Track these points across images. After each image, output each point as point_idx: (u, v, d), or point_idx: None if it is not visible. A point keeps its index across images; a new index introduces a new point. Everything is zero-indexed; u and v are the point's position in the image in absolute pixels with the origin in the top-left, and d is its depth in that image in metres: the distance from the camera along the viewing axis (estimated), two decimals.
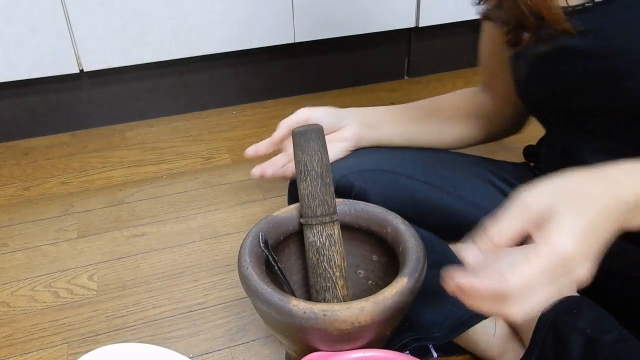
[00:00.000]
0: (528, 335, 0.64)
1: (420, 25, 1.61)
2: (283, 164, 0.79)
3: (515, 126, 0.86)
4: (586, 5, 0.58)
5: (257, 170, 0.78)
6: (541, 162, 0.83)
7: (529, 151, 0.87)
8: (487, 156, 0.87)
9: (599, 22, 0.57)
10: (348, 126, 0.80)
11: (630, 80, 0.56)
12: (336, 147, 0.78)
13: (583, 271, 0.40)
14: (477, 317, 0.69)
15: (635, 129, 0.60)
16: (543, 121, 0.73)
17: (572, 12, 0.58)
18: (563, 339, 0.58)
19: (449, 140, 0.84)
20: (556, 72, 0.62)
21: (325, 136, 0.70)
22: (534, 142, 0.86)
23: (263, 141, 0.79)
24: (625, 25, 0.56)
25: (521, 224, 0.41)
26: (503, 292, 0.38)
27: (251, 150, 0.79)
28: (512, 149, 1.20)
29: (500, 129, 0.86)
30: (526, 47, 0.64)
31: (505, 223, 0.41)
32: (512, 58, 0.68)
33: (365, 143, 0.81)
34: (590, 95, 0.61)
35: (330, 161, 0.78)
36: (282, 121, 0.78)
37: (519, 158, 0.90)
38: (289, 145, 0.77)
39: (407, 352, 0.70)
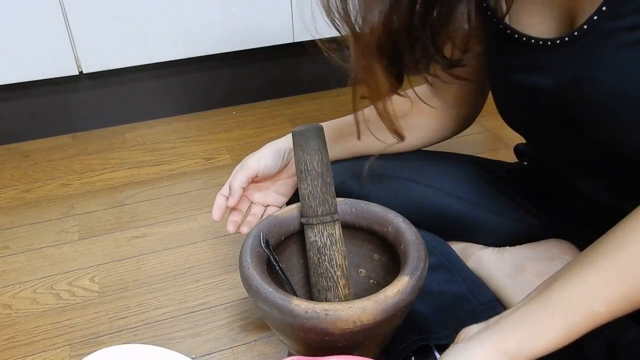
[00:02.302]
0: None
1: None
2: (260, 213, 0.83)
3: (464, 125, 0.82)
4: (556, 42, 0.54)
5: (231, 227, 0.79)
6: (531, 160, 0.83)
7: (519, 150, 0.86)
8: (489, 154, 0.87)
9: (562, 61, 0.54)
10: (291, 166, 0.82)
11: (597, 129, 0.53)
12: (288, 184, 0.82)
13: None
14: (483, 315, 0.69)
15: (612, 166, 0.57)
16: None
17: (542, 48, 0.55)
18: (579, 339, 0.58)
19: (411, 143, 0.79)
20: (525, 105, 0.61)
21: (275, 176, 0.77)
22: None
23: (220, 203, 0.79)
24: (587, 68, 0.52)
25: None
26: None
27: (218, 212, 0.79)
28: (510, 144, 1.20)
29: (477, 113, 0.81)
30: (495, 73, 0.63)
31: None
32: (489, 77, 0.67)
33: None
34: (560, 134, 0.59)
35: (287, 197, 0.83)
36: (232, 180, 0.78)
37: None
38: (254, 196, 0.83)
39: (411, 353, 0.70)
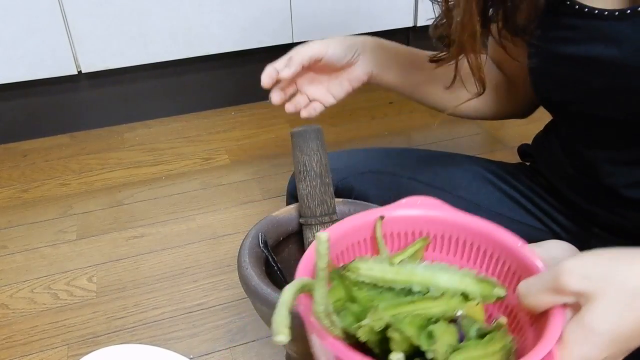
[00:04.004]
0: None
1: (418, 25, 1.61)
2: (304, 103, 0.72)
3: (524, 109, 0.83)
4: (626, 12, 0.54)
5: (276, 96, 0.70)
6: (537, 161, 0.83)
7: (522, 150, 0.86)
8: (487, 155, 0.87)
9: (629, 31, 0.54)
10: (361, 64, 0.73)
11: None
12: (343, 86, 0.73)
13: None
14: None
15: None
16: (556, 118, 0.72)
17: (607, 17, 0.55)
18: None
19: (461, 107, 0.77)
20: (577, 79, 0.60)
21: (335, 70, 0.70)
22: (529, 141, 0.85)
23: (270, 72, 0.67)
24: None
25: (552, 302, 0.39)
26: None
27: (267, 79, 0.67)
28: (512, 148, 1.20)
29: (509, 109, 0.82)
30: (543, 46, 0.63)
31: (535, 297, 0.40)
32: (529, 55, 0.67)
33: (373, 83, 0.77)
34: (612, 108, 0.59)
35: (335, 99, 0.74)
36: (294, 53, 0.67)
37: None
38: (305, 84, 0.71)
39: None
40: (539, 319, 0.41)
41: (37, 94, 1.48)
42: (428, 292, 0.42)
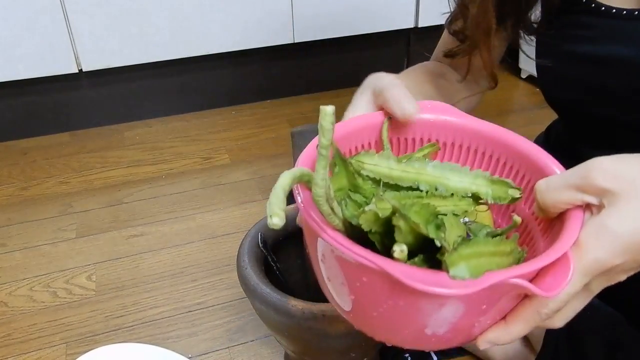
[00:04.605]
0: (537, 337, 0.64)
1: (419, 26, 1.61)
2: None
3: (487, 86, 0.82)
4: None
5: None
6: None
7: None
8: None
9: None
10: None
11: None
12: None
13: (622, 278, 0.37)
14: None
15: None
16: (562, 117, 0.71)
17: (625, 17, 0.54)
18: (579, 339, 0.58)
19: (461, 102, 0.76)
20: (591, 79, 0.60)
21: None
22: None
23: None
24: None
25: (573, 200, 0.36)
26: (541, 318, 0.35)
27: None
28: None
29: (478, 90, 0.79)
30: (555, 44, 0.62)
31: (557, 193, 0.37)
32: (538, 54, 0.67)
33: None
34: (626, 108, 0.58)
35: None
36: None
37: None
38: None
39: (407, 355, 0.70)
40: (552, 227, 0.38)
41: (38, 92, 1.48)
42: (436, 191, 0.39)
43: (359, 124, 0.45)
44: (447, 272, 0.30)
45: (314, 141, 0.39)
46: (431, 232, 0.32)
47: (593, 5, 0.56)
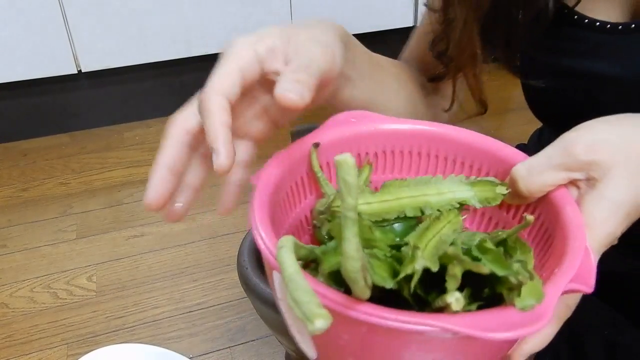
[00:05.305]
0: None
1: (418, 25, 1.61)
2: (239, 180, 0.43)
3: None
4: (631, 26, 0.50)
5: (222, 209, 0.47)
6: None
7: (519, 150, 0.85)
8: None
9: (635, 47, 0.50)
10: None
11: None
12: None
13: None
14: None
15: None
16: (551, 130, 0.70)
17: (610, 31, 0.51)
18: (579, 339, 0.58)
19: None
20: (576, 95, 0.57)
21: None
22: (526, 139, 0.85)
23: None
24: None
25: (558, 180, 0.35)
26: (571, 309, 0.34)
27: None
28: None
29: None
30: (539, 57, 0.58)
31: (541, 176, 0.35)
32: (522, 67, 0.64)
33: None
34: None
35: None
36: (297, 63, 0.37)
37: None
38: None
39: None
40: (544, 213, 0.36)
41: (37, 93, 1.48)
42: (422, 214, 0.35)
43: (285, 163, 0.38)
44: (514, 305, 0.28)
45: (272, 164, 0.35)
46: (498, 270, 0.29)
47: (576, 17, 0.53)
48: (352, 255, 0.25)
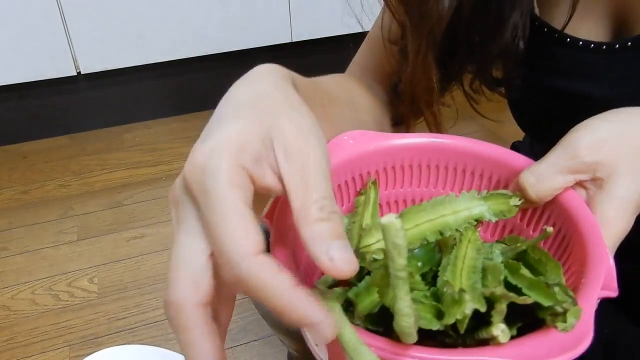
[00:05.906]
0: None
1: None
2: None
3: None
4: (614, 46, 0.49)
5: None
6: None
7: (514, 148, 0.85)
8: None
9: (627, 69, 0.49)
10: None
11: None
12: None
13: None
14: None
15: None
16: (532, 137, 0.70)
17: (593, 51, 0.50)
18: None
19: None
20: (560, 113, 0.55)
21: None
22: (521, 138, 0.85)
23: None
24: None
25: (566, 183, 0.35)
26: None
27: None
28: (509, 143, 1.20)
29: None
30: (522, 73, 0.55)
31: (552, 181, 0.35)
32: (505, 84, 0.63)
33: None
34: None
35: None
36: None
37: None
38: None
39: None
40: (553, 214, 0.36)
41: (37, 95, 1.48)
42: (441, 236, 0.35)
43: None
44: (555, 327, 0.28)
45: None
46: (543, 301, 0.29)
47: (556, 35, 0.51)
48: (406, 312, 0.26)
